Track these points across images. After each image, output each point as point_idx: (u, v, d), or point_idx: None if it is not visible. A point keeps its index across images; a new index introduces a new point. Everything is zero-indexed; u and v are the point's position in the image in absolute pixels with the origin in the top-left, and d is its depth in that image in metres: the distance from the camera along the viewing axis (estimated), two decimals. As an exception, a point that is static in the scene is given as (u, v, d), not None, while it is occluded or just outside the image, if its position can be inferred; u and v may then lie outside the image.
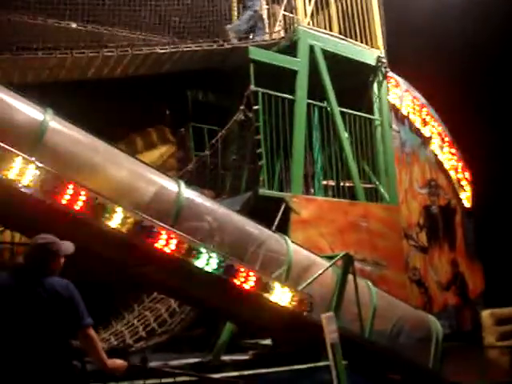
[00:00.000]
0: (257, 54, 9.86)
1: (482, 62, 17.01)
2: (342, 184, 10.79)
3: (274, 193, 9.61)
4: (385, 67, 11.90)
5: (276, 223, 8.61)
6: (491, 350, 10.79)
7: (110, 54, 9.59)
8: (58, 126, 5.70)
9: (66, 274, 4.53)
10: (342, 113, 10.91)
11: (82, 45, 9.41)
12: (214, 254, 6.08)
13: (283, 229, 8.62)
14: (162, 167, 10.48)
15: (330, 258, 7.74)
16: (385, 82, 11.97)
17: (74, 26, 9.67)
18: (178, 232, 5.87)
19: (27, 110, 5.54)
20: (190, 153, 11.29)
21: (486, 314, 11.32)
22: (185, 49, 10.23)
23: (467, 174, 14.72)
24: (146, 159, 9.63)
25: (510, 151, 17.61)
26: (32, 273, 4.33)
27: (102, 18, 9.85)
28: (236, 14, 11.59)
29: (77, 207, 5.30)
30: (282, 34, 11.42)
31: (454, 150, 14.24)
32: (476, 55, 16.88)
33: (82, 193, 5.31)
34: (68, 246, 4.52)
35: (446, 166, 14.03)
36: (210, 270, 6.05)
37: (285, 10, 11.58)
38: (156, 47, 10.01)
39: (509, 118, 17.87)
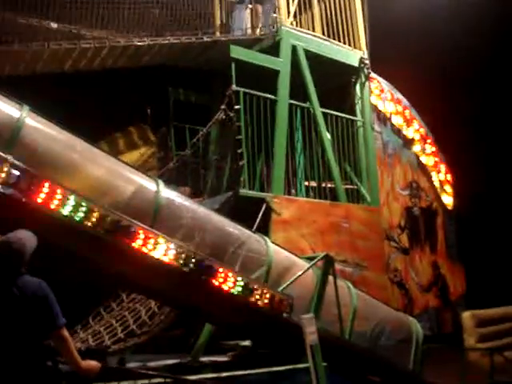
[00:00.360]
0: (238, 52, 9.81)
1: (465, 64, 17.11)
2: (323, 185, 10.77)
3: (255, 193, 9.57)
4: (367, 68, 11.92)
5: (257, 224, 8.56)
6: (471, 352, 10.78)
7: (87, 45, 9.49)
8: (34, 123, 5.59)
9: (43, 273, 4.47)
10: (325, 113, 10.90)
11: (59, 37, 9.29)
12: (192, 255, 6.02)
13: (264, 229, 8.59)
14: (142, 167, 10.41)
15: (310, 258, 7.70)
16: (367, 83, 11.99)
17: (55, 26, 9.54)
18: (156, 232, 5.80)
19: (2, 107, 5.42)
20: (171, 152, 11.22)
21: (466, 315, 11.30)
22: (163, 41, 10.14)
23: (449, 176, 14.77)
24: (127, 159, 9.61)
25: (492, 153, 17.74)
26: (5, 273, 4.25)
27: (80, 17, 9.72)
28: (218, 7, 11.50)
29: (52, 206, 5.21)
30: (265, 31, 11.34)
31: (435, 152, 14.26)
32: (459, 57, 16.98)
33: (58, 191, 5.22)
34: (32, 240, 4.42)
35: (428, 167, 14.05)
36: (187, 270, 5.99)
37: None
38: (134, 39, 9.93)
39: (491, 120, 18.00)
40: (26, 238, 4.37)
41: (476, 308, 11.58)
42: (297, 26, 11.27)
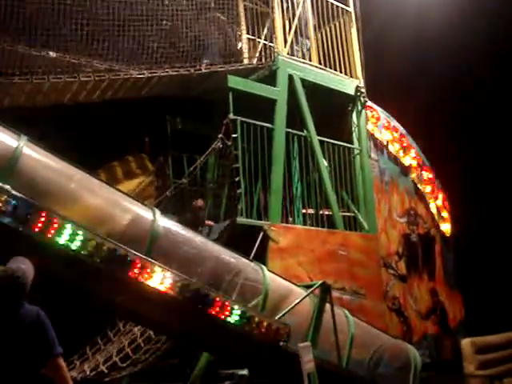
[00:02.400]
0: (235, 82, 9.91)
1: (462, 92, 17.26)
2: (320, 212, 10.79)
3: (252, 221, 9.59)
4: (364, 97, 12.02)
5: (254, 252, 8.58)
6: (471, 379, 10.73)
7: (87, 79, 9.56)
8: (32, 153, 5.65)
9: (38, 303, 4.49)
10: (321, 141, 10.97)
11: (59, 70, 9.35)
12: (188, 284, 6.02)
13: (261, 257, 8.60)
14: (140, 195, 10.45)
15: (307, 286, 7.71)
16: (364, 111, 12.07)
17: (53, 55, 9.62)
18: (153, 261, 5.81)
19: (1, 136, 5.48)
20: (169, 181, 11.25)
21: (466, 342, 11.25)
22: (162, 74, 10.22)
23: (446, 203, 14.78)
24: (125, 187, 9.64)
25: (489, 181, 17.78)
26: (9, 304, 4.28)
27: (80, 47, 9.81)
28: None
29: (49, 235, 5.24)
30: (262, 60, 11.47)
31: (432, 179, 14.30)
32: (454, 85, 17.12)
33: (55, 220, 5.26)
34: (31, 269, 4.45)
35: (425, 194, 14.08)
36: (184, 300, 5.99)
37: (265, 40, 11.66)
38: (133, 72, 9.99)
39: (489, 148, 18.08)
40: (28, 269, 4.41)
41: (475, 335, 11.54)
42: (293, 55, 11.39)
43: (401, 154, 13.36)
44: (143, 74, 10.06)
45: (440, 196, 14.59)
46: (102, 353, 8.50)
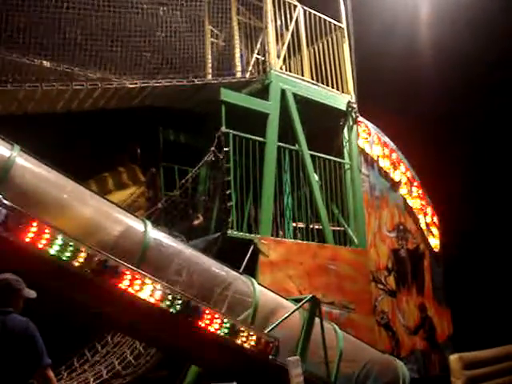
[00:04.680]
0: (228, 95, 9.95)
1: (451, 108, 17.38)
2: (311, 226, 10.83)
3: (243, 234, 9.60)
4: (355, 112, 12.10)
5: (244, 265, 8.59)
6: (459, 395, 10.69)
7: (79, 87, 9.57)
8: (24, 163, 5.67)
9: (28, 313, 4.50)
10: (313, 156, 11.02)
11: (52, 78, 9.35)
12: (178, 296, 6.03)
13: (251, 270, 8.61)
14: (131, 206, 10.44)
15: (297, 300, 7.73)
16: (355, 126, 12.14)
17: (47, 64, 9.62)
18: (143, 272, 5.82)
19: (-6, 146, 5.50)
20: (160, 192, 11.25)
21: (454, 358, 11.22)
22: (155, 84, 10.25)
23: (435, 219, 14.86)
24: (116, 198, 9.63)
25: (479, 197, 17.89)
26: None
27: (73, 57, 9.82)
28: (209, 50, 11.67)
29: (40, 245, 5.24)
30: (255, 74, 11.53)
31: (422, 195, 14.38)
32: (445, 101, 17.25)
33: (46, 230, 5.26)
34: (31, 291, 4.50)
35: (415, 210, 14.14)
36: (174, 312, 6.00)
37: (258, 54, 11.74)
38: (126, 81, 10.01)
39: (478, 163, 18.21)
40: (16, 279, 4.44)
41: (463, 350, 11.54)
42: (286, 70, 11.46)
43: (391, 169, 13.43)
44: (136, 83, 10.07)
45: (429, 211, 14.66)
46: (90, 366, 8.45)
